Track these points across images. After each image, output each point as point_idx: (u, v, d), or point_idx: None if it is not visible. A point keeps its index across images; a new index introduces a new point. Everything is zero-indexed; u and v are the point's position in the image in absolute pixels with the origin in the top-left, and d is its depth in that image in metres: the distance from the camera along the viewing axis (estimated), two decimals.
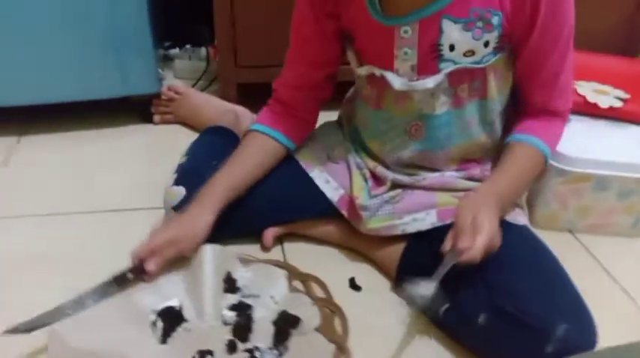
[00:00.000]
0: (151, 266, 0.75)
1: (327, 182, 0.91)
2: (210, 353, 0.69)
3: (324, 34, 0.84)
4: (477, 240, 0.67)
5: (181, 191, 0.88)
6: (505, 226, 0.79)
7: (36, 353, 0.72)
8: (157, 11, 1.31)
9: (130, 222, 0.98)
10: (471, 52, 0.76)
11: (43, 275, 0.85)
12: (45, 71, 1.19)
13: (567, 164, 0.94)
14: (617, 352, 0.55)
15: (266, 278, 0.80)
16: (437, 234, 0.74)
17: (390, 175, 0.87)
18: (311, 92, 0.92)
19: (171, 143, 1.16)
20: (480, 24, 0.74)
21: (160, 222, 0.91)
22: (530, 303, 0.68)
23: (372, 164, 0.89)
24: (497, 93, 0.81)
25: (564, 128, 0.85)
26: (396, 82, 0.80)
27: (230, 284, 0.78)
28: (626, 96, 1.05)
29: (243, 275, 0.80)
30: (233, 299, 0.77)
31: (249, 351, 0.70)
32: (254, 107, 1.25)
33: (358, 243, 0.91)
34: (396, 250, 0.85)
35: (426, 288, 0.67)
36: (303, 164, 0.92)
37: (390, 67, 0.80)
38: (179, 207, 0.87)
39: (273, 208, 0.90)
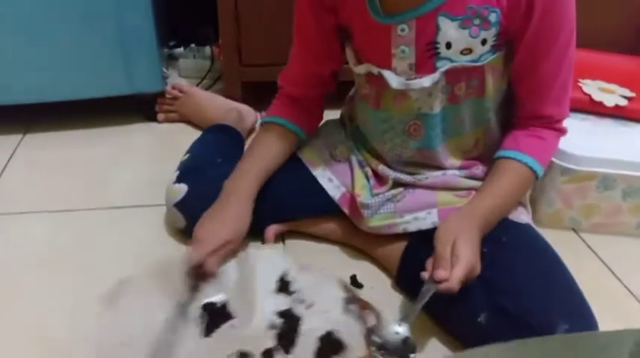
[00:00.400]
0: (213, 267, 0.76)
1: (330, 180, 0.91)
2: (248, 356, 0.67)
3: (323, 30, 0.84)
4: (455, 271, 0.66)
5: (183, 188, 0.89)
6: (508, 225, 0.79)
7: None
8: (162, 11, 1.31)
9: (135, 219, 0.99)
10: (468, 50, 0.75)
11: (49, 271, 0.86)
12: (50, 69, 1.20)
13: (572, 162, 0.94)
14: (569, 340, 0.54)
15: (322, 288, 0.77)
16: None
17: (392, 174, 0.87)
18: (316, 88, 0.92)
19: (176, 141, 1.16)
20: (477, 21, 0.73)
21: (178, 220, 0.90)
22: (531, 303, 0.68)
23: (374, 163, 0.89)
24: (494, 91, 0.80)
25: (558, 141, 0.83)
26: (394, 80, 0.79)
27: (284, 285, 0.77)
28: (632, 94, 1.04)
29: (298, 278, 0.78)
30: (284, 302, 0.74)
31: None
32: (258, 105, 1.26)
33: (360, 240, 0.90)
34: (398, 248, 0.85)
35: (400, 330, 0.68)
36: (306, 162, 0.92)
37: (387, 66, 0.79)
38: (181, 205, 0.88)
39: (276, 205, 0.89)
